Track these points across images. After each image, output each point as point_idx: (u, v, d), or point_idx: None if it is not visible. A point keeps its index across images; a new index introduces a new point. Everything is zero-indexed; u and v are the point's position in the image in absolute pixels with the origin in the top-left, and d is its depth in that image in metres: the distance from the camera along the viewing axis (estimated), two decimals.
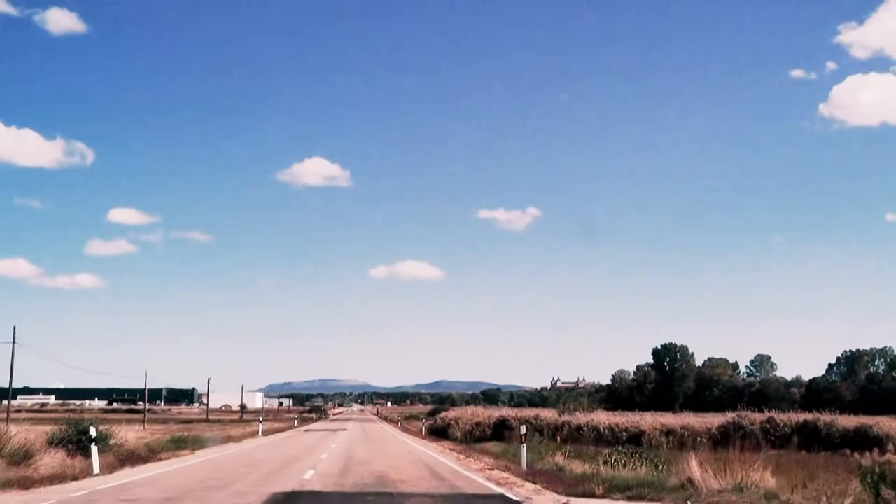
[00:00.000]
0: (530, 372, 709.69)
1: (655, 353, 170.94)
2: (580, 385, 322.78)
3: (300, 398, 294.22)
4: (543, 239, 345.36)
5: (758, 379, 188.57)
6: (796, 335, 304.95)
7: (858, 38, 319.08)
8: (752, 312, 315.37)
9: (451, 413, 60.77)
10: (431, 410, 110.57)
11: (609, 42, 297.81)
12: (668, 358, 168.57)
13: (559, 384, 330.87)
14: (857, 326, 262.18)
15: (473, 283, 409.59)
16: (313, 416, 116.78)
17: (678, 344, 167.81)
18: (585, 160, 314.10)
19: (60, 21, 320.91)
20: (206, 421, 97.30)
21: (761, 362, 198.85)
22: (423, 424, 66.77)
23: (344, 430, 67.91)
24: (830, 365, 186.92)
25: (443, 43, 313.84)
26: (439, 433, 55.17)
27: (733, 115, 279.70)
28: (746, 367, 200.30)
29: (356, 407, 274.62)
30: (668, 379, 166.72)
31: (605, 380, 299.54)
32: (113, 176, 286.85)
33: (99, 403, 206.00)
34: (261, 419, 55.89)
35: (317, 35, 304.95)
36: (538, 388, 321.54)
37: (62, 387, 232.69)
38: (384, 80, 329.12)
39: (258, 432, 53.66)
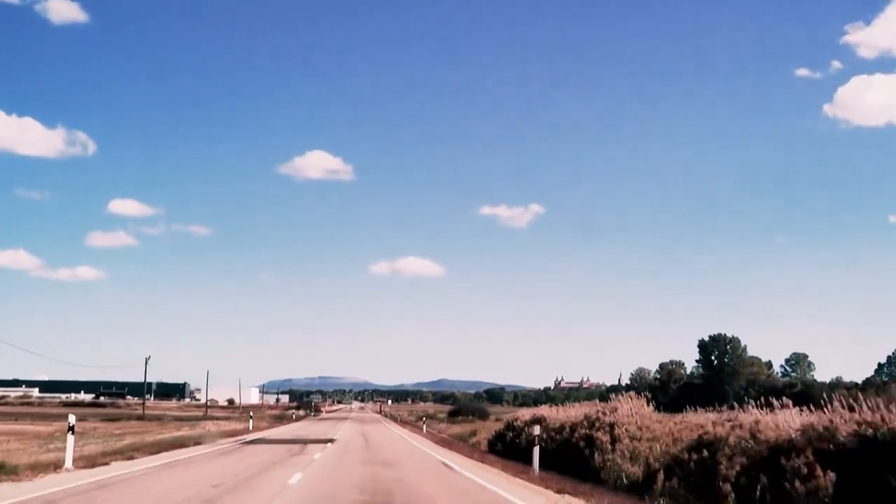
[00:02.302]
0: (532, 372, 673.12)
1: (702, 345, 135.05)
2: (584, 385, 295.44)
3: (298, 395, 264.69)
4: (546, 236, 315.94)
5: (793, 378, 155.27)
6: (820, 335, 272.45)
7: (865, 37, 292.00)
8: (766, 312, 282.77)
9: (573, 413, 24.28)
10: (452, 411, 75.41)
11: (613, 40, 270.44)
12: (717, 351, 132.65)
13: (563, 384, 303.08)
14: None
15: (475, 281, 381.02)
16: (295, 413, 80.00)
17: (728, 335, 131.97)
18: (588, 157, 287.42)
19: (62, 11, 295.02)
20: (141, 419, 62.72)
21: (797, 361, 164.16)
22: (474, 433, 32.04)
23: (328, 442, 31.82)
24: (880, 365, 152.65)
25: (445, 40, 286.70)
26: (551, 462, 19.59)
27: (738, 113, 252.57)
28: (781, 366, 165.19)
29: (356, 404, 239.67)
30: (717, 375, 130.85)
31: (610, 380, 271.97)
32: (114, 166, 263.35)
33: (86, 396, 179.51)
34: (71, 425, 17.62)
35: (319, 29, 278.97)
36: (542, 388, 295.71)
37: (46, 379, 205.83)
38: (386, 75, 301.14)
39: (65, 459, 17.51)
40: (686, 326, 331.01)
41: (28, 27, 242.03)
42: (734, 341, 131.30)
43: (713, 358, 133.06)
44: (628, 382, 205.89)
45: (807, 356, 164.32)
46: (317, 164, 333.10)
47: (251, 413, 47.62)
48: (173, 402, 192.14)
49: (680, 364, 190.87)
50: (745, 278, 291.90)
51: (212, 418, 65.79)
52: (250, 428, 42.37)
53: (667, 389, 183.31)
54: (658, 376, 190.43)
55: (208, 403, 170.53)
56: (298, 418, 73.07)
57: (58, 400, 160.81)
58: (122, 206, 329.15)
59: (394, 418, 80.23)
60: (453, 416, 70.59)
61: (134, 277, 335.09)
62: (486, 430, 41.59)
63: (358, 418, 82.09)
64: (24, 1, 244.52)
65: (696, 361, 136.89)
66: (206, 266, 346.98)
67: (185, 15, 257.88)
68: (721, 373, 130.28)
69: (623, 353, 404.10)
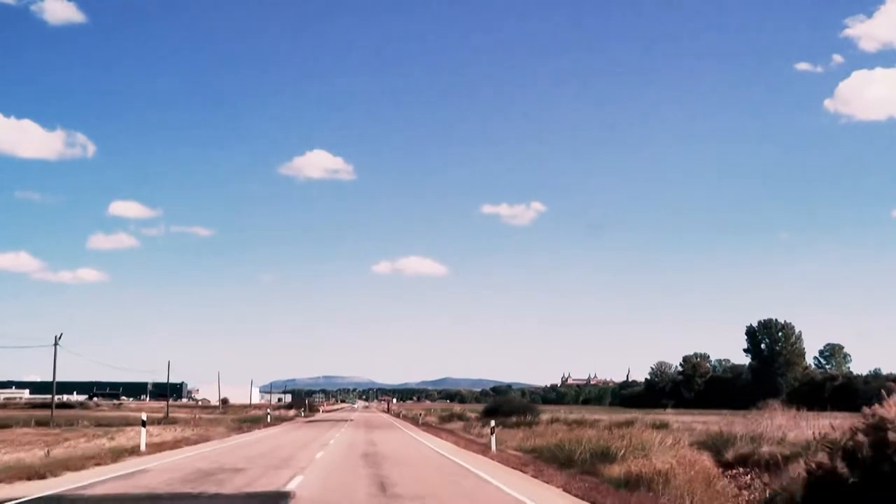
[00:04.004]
0: (536, 369, 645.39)
1: (750, 332, 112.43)
2: (592, 381, 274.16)
3: (301, 394, 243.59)
4: (548, 234, 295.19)
5: (828, 371, 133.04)
6: (847, 326, 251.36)
7: (867, 30, 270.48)
8: (786, 304, 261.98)
9: None
10: (489, 408, 51.32)
11: (613, 36, 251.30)
12: (768, 339, 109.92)
13: (570, 380, 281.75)
14: None
15: (478, 279, 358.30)
16: (271, 415, 53.94)
17: (781, 321, 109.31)
18: (589, 154, 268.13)
19: (58, 11, 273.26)
20: (44, 424, 39.95)
21: (832, 352, 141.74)
22: None
23: None
24: None
25: (446, 37, 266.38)
26: None
27: (740, 107, 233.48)
28: (815, 358, 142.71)
29: (360, 403, 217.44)
30: (769, 367, 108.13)
31: (617, 376, 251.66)
32: (114, 168, 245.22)
33: (80, 397, 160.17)
34: None
35: (319, 28, 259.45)
36: (548, 385, 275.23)
37: (38, 380, 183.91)
38: (386, 73, 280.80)
39: None
40: (700, 321, 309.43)
41: (24, 28, 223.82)
42: (787, 328, 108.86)
43: (763, 347, 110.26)
44: (647, 377, 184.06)
45: (842, 347, 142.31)
46: (317, 163, 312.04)
47: (143, 417, 24.31)
48: (164, 403, 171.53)
49: (705, 357, 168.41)
50: (755, 272, 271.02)
51: (164, 422, 43.79)
52: (142, 448, 19.93)
53: (691, 384, 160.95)
54: (682, 369, 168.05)
55: (199, 403, 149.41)
56: (275, 422, 50.17)
57: (29, 401, 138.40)
58: (123, 208, 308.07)
59: (412, 420, 57.09)
60: (491, 415, 47.80)
61: (136, 279, 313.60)
62: (610, 440, 19.17)
63: (362, 420, 59.05)
64: (20, 1, 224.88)
65: (745, 351, 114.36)
66: (207, 267, 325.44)
67: (184, 15, 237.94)
68: (773, 363, 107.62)
69: (630, 349, 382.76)
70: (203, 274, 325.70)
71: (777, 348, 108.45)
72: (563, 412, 53.55)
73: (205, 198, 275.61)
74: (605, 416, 45.69)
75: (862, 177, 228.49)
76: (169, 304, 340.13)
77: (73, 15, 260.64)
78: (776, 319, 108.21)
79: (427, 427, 43.73)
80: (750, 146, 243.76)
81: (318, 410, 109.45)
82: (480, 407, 66.14)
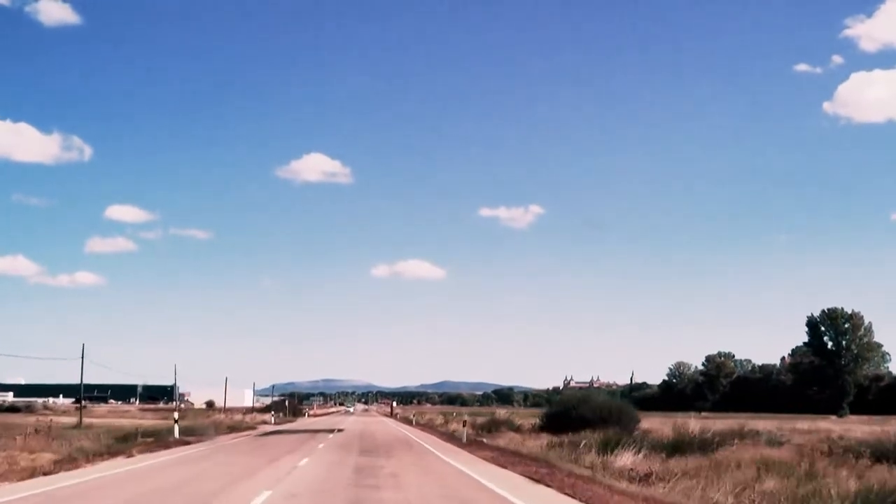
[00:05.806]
0: (537, 372, 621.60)
1: (812, 324, 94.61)
2: (595, 384, 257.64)
3: (299, 397, 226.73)
4: (547, 237, 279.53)
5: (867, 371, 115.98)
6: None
7: (867, 30, 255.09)
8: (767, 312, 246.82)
9: None
10: (556, 413, 32.76)
11: (613, 36, 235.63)
12: (833, 331, 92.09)
13: (573, 383, 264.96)
14: None
15: (477, 283, 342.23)
16: (175, 428, 28.76)
17: (849, 311, 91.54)
18: (588, 155, 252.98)
19: (53, 12, 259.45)
20: None
21: (869, 350, 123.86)
22: None
23: None
24: None
25: (444, 40, 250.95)
26: None
27: (739, 109, 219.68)
28: None
29: (360, 406, 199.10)
30: (833, 363, 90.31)
31: (620, 378, 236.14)
32: (111, 171, 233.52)
33: (65, 401, 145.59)
34: None
35: (317, 29, 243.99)
36: (551, 388, 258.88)
37: (24, 382, 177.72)
38: (384, 76, 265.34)
39: None
40: (705, 322, 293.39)
41: (19, 29, 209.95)
42: (855, 318, 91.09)
43: (827, 340, 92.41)
44: (665, 378, 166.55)
45: (881, 346, 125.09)
46: (315, 166, 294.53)
47: None
48: (154, 406, 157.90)
49: (730, 356, 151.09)
50: (759, 274, 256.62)
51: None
52: None
53: (716, 385, 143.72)
54: (705, 370, 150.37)
55: (181, 405, 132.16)
56: (200, 437, 30.10)
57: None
58: (120, 212, 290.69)
59: (436, 430, 38.40)
60: (557, 426, 30.31)
61: (133, 282, 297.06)
62: None
63: (356, 432, 36.44)
64: (14, 2, 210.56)
65: (805, 345, 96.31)
66: (205, 270, 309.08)
67: (181, 17, 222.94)
68: (839, 359, 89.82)
69: (632, 351, 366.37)
70: (201, 277, 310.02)
71: (844, 342, 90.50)
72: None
73: (202, 201, 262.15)
74: (766, 423, 29.17)
75: (861, 179, 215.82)
76: (167, 308, 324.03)
77: (67, 16, 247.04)
78: (842, 308, 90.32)
79: (489, 451, 22.84)
80: (748, 147, 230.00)
81: (304, 414, 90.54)
82: (519, 411, 49.37)
